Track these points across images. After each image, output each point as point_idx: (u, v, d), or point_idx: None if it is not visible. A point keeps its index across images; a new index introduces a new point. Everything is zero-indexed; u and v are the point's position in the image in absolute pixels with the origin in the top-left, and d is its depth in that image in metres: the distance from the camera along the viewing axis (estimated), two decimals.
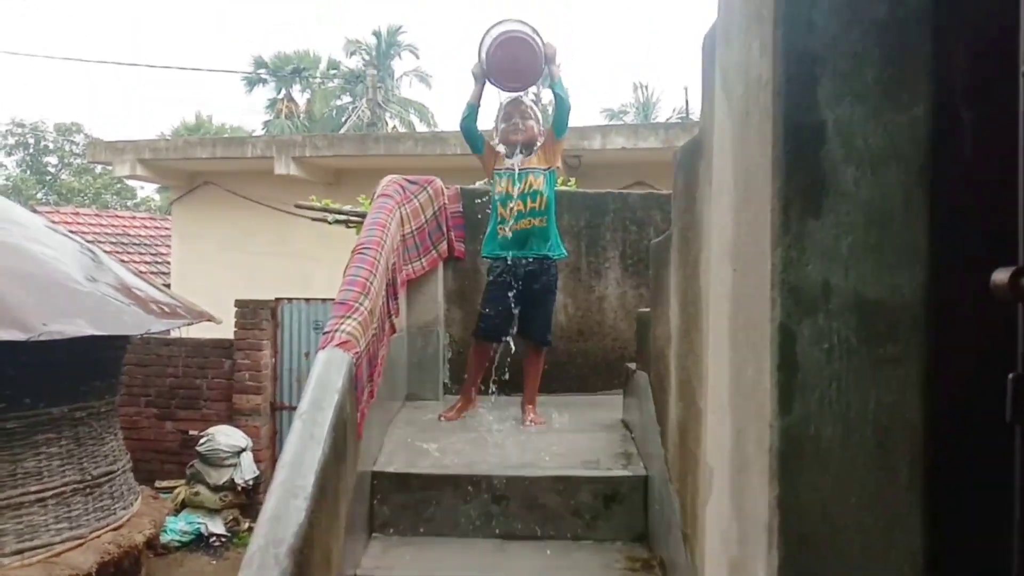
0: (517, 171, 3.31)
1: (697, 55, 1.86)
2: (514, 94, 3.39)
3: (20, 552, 4.78)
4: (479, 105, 3.43)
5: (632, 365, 3.09)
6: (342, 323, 2.41)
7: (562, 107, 3.38)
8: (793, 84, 1.14)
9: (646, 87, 32.41)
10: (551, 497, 2.62)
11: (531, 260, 3.36)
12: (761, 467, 1.18)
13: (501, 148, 3.40)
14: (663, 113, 30.66)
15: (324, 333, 2.39)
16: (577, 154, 8.47)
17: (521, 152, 3.37)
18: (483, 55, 3.31)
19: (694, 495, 2.00)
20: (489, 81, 3.38)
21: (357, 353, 2.36)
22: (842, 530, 1.14)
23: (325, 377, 2.18)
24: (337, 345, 2.31)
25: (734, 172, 1.34)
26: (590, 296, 4.02)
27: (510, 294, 3.33)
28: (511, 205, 3.31)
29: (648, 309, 2.75)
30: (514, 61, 3.27)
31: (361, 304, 2.52)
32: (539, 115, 3.45)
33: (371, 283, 2.64)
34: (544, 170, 3.37)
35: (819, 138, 1.14)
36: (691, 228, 2.00)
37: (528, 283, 3.34)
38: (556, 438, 3.08)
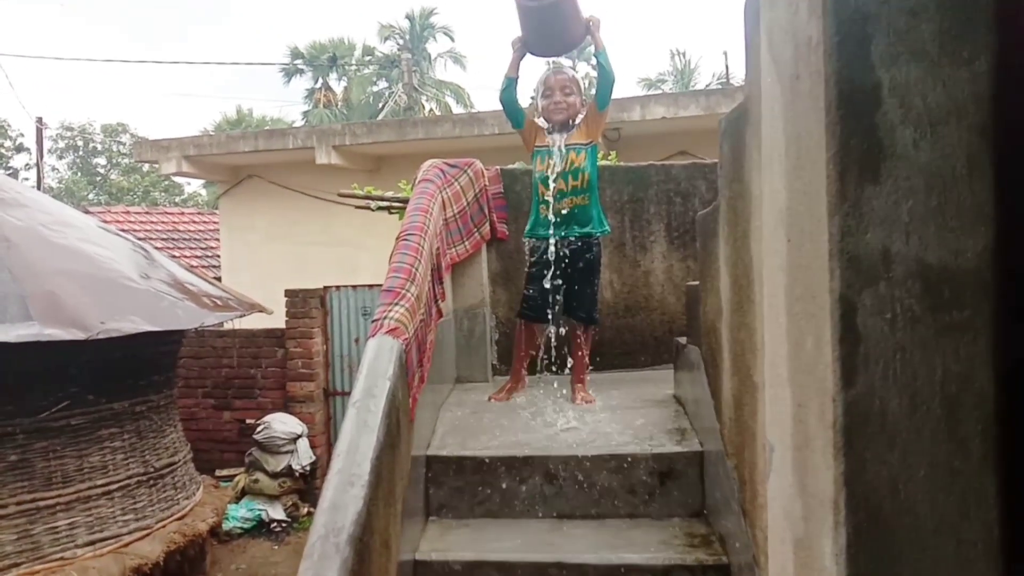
0: (558, 149, 3.26)
1: (737, 18, 1.81)
2: (554, 65, 3.34)
3: (92, 543, 4.95)
4: (518, 77, 3.37)
5: (682, 339, 3.05)
6: (390, 310, 2.41)
7: (606, 78, 3.30)
8: (845, 44, 1.10)
9: (683, 54, 31.86)
10: (605, 475, 2.61)
11: (574, 239, 3.32)
12: (824, 442, 1.15)
13: (542, 122, 3.36)
14: (703, 80, 30.15)
15: (373, 321, 2.40)
16: (616, 127, 8.36)
17: (562, 130, 3.32)
18: (521, 19, 3.22)
19: (752, 469, 1.97)
20: (528, 49, 3.32)
21: (406, 339, 2.37)
22: (912, 506, 1.11)
23: (376, 364, 2.19)
24: (386, 332, 2.32)
25: (785, 139, 1.29)
26: (636, 271, 3.98)
27: (553, 273, 3.30)
28: (552, 184, 3.27)
29: (697, 282, 2.70)
30: (552, 25, 3.19)
31: (408, 291, 2.53)
32: (581, 89, 3.40)
33: (416, 269, 2.64)
34: (585, 145, 3.31)
35: (875, 100, 1.09)
36: (739, 198, 1.95)
37: (571, 262, 3.31)
38: (607, 415, 3.06)
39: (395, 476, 2.10)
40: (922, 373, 1.10)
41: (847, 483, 1.11)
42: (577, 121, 3.35)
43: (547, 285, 3.30)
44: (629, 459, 2.61)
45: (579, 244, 3.33)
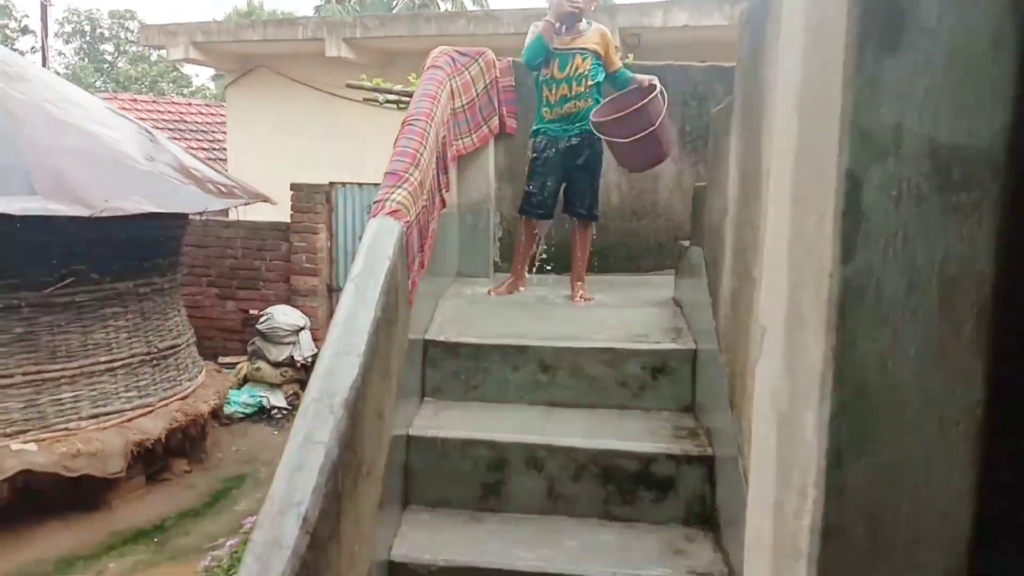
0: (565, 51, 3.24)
1: None
2: None
3: (95, 417, 5.09)
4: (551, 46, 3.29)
5: (685, 242, 3.04)
6: (392, 192, 2.40)
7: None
8: None
9: None
10: (599, 368, 2.65)
11: (575, 136, 3.31)
12: (817, 319, 1.16)
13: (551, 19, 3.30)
14: None
15: (375, 202, 2.39)
16: (637, 32, 8.13)
17: (569, 25, 3.26)
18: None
19: (743, 363, 1.99)
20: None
21: (408, 222, 2.36)
22: (899, 383, 1.12)
23: (376, 244, 2.19)
24: (388, 214, 2.31)
25: (805, 12, 1.25)
26: (645, 175, 3.93)
27: (553, 170, 3.29)
28: (556, 89, 3.26)
29: (704, 183, 2.67)
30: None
31: (411, 175, 2.50)
32: None
33: (421, 154, 2.61)
34: (592, 52, 3.27)
35: None
36: (755, 92, 1.91)
37: (572, 158, 3.31)
38: (605, 313, 3.08)
39: (391, 352, 2.13)
40: (922, 253, 1.09)
41: (836, 358, 1.12)
42: (587, 27, 3.28)
43: (548, 182, 3.29)
44: (623, 353, 2.65)
45: (580, 141, 3.32)
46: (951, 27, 1.06)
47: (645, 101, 3.03)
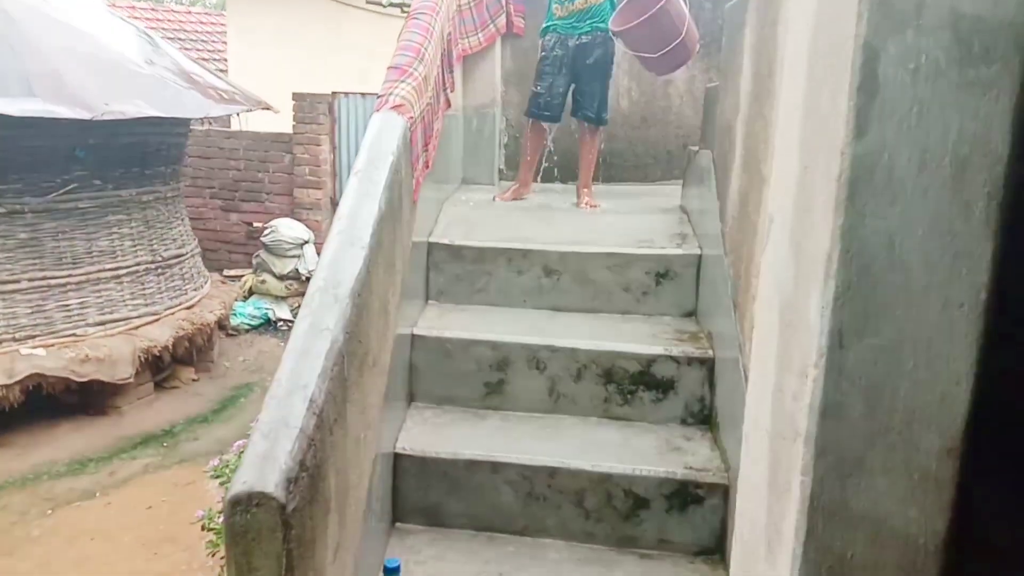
0: None
1: None
2: None
3: (102, 324, 5.14)
4: None
5: (695, 147, 3.00)
6: (396, 87, 2.34)
7: None
8: None
9: None
10: (603, 273, 2.65)
11: (586, 34, 3.20)
12: (827, 198, 1.14)
13: None
14: None
15: (378, 97, 2.34)
16: None
17: None
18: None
19: (748, 263, 1.98)
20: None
21: (411, 118, 2.32)
22: (905, 262, 1.11)
23: (380, 138, 2.16)
24: (391, 108, 2.27)
25: None
26: (656, 80, 3.84)
27: (561, 69, 3.20)
28: None
29: (716, 84, 2.61)
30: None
31: (415, 69, 2.45)
32: None
33: (426, 49, 2.54)
34: None
35: None
36: None
37: (581, 58, 3.20)
38: (611, 219, 3.06)
39: (396, 248, 2.12)
40: (936, 129, 1.06)
41: (843, 237, 1.11)
42: None
43: (557, 82, 3.21)
44: (628, 258, 2.64)
45: (591, 39, 3.21)
46: None
47: (664, 1, 2.89)
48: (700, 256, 2.60)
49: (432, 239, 2.75)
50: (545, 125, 3.39)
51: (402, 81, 2.37)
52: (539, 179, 3.67)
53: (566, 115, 3.37)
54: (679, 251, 2.65)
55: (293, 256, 7.21)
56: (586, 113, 3.31)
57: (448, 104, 2.98)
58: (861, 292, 1.12)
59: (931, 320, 1.12)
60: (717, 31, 3.64)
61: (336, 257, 1.78)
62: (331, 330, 1.59)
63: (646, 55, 3.03)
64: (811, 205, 1.21)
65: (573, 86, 3.28)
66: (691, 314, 2.62)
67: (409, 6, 5.75)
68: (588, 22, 3.18)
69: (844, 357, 1.15)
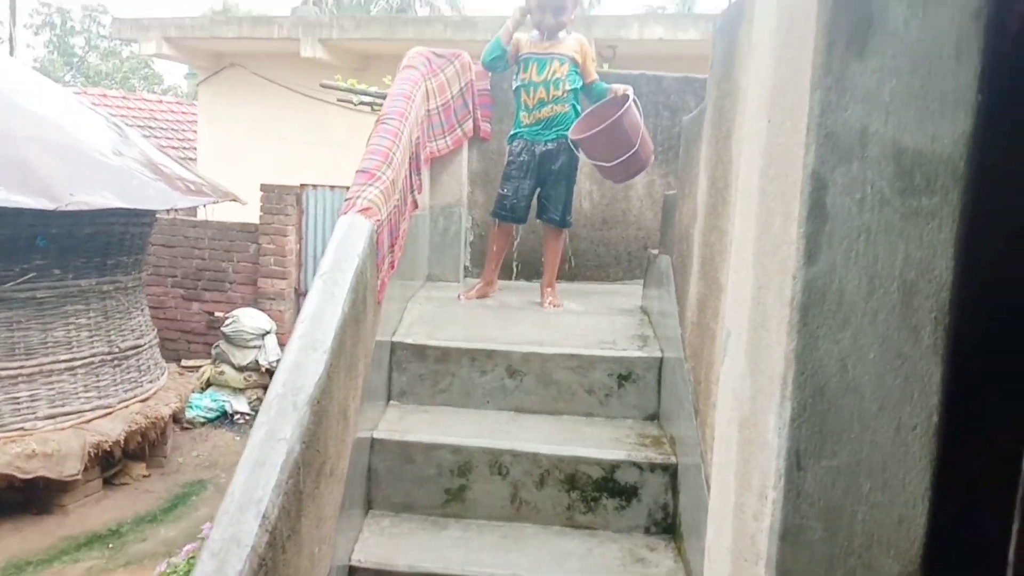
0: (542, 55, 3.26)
1: None
2: None
3: (52, 417, 4.98)
4: (509, 48, 3.32)
5: (654, 251, 3.06)
6: (364, 191, 2.38)
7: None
8: None
9: None
10: (566, 374, 2.65)
11: (551, 142, 3.32)
12: (780, 320, 1.16)
13: (525, 36, 3.34)
14: (704, 10, 29.54)
15: (345, 200, 2.37)
16: (612, 44, 8.19)
17: (547, 36, 3.29)
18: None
19: (708, 370, 2.00)
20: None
21: (378, 221, 2.34)
22: (858, 385, 1.13)
23: (346, 241, 2.18)
24: (359, 211, 2.30)
25: (777, 16, 1.26)
26: (616, 184, 3.95)
27: (527, 174, 3.30)
28: (534, 92, 3.29)
29: (674, 192, 2.69)
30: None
31: (383, 173, 2.49)
32: (576, 4, 3.33)
33: (394, 153, 2.60)
34: (570, 59, 3.29)
35: None
36: (727, 96, 1.92)
37: (547, 163, 3.32)
38: (574, 319, 3.08)
39: (358, 350, 2.11)
40: (884, 256, 1.10)
41: (798, 359, 1.12)
42: (566, 35, 3.31)
43: (523, 186, 3.30)
44: (590, 360, 2.65)
45: (556, 146, 3.33)
46: (917, 33, 1.08)
47: (620, 113, 3.02)
48: (661, 359, 2.62)
49: (396, 338, 2.73)
50: (511, 226, 3.46)
51: (370, 185, 2.40)
52: (512, 276, 3.71)
53: (531, 216, 3.44)
54: (641, 353, 2.67)
55: (254, 347, 7.11)
56: (551, 216, 3.39)
57: (415, 205, 3.03)
58: (817, 414, 1.13)
59: (886, 443, 1.14)
60: (675, 138, 3.79)
61: (297, 361, 1.76)
62: (288, 440, 1.56)
63: (602, 164, 3.14)
64: (766, 324, 1.23)
65: (539, 190, 3.37)
66: (654, 417, 2.61)
67: (380, 103, 5.90)
68: (554, 130, 3.29)
69: (803, 479, 1.15)
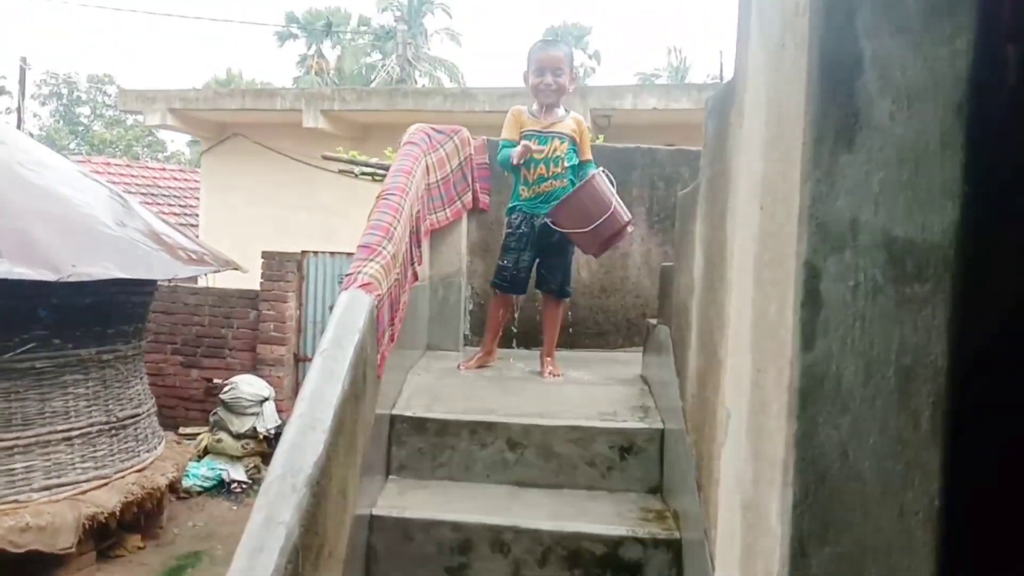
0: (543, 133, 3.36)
1: (733, 20, 1.81)
2: (544, 40, 3.39)
3: (48, 488, 4.92)
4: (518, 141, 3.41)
5: (653, 320, 3.08)
6: (365, 266, 2.41)
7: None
8: (830, 13, 1.11)
9: (680, 51, 31.90)
10: (567, 446, 2.63)
11: (547, 213, 3.37)
12: (780, 406, 1.17)
13: (526, 109, 3.44)
14: (697, 78, 30.23)
15: (347, 275, 2.40)
16: (607, 113, 8.37)
17: (547, 113, 3.39)
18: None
19: (710, 444, 1.99)
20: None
21: (379, 296, 2.37)
22: (859, 471, 1.13)
23: (346, 317, 2.19)
24: (360, 287, 2.32)
25: (767, 108, 1.31)
26: (614, 252, 3.99)
27: (527, 246, 3.35)
28: (534, 168, 3.37)
29: (671, 264, 2.72)
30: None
31: (384, 248, 2.52)
32: (572, 65, 3.43)
33: (395, 228, 2.64)
34: (569, 137, 3.38)
35: (856, 69, 1.11)
36: (720, 176, 1.96)
37: (546, 236, 3.37)
38: (574, 389, 3.08)
39: (357, 428, 2.10)
40: (879, 342, 1.12)
41: (798, 445, 1.13)
42: (565, 114, 3.40)
43: (522, 257, 3.34)
44: (591, 432, 2.64)
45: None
46: (903, 127, 1.11)
47: (582, 184, 3.19)
48: (663, 431, 2.61)
49: (395, 411, 2.73)
50: (511, 297, 3.49)
51: (371, 260, 2.43)
52: (512, 344, 3.72)
53: (531, 285, 3.47)
54: (642, 425, 2.66)
55: (252, 414, 7.06)
56: (551, 287, 3.43)
57: (415, 277, 3.06)
58: (820, 500, 1.13)
59: (889, 529, 1.14)
60: (670, 208, 3.84)
61: (296, 442, 1.75)
62: (287, 524, 1.54)
63: (573, 231, 3.22)
64: (765, 408, 1.24)
65: (537, 261, 3.41)
66: (657, 490, 2.59)
67: (380, 173, 6.00)
68: (552, 203, 3.35)
69: (807, 565, 1.15)
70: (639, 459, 2.60)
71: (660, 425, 2.64)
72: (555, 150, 3.36)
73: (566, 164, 3.38)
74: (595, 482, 2.60)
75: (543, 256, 3.41)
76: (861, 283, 1.12)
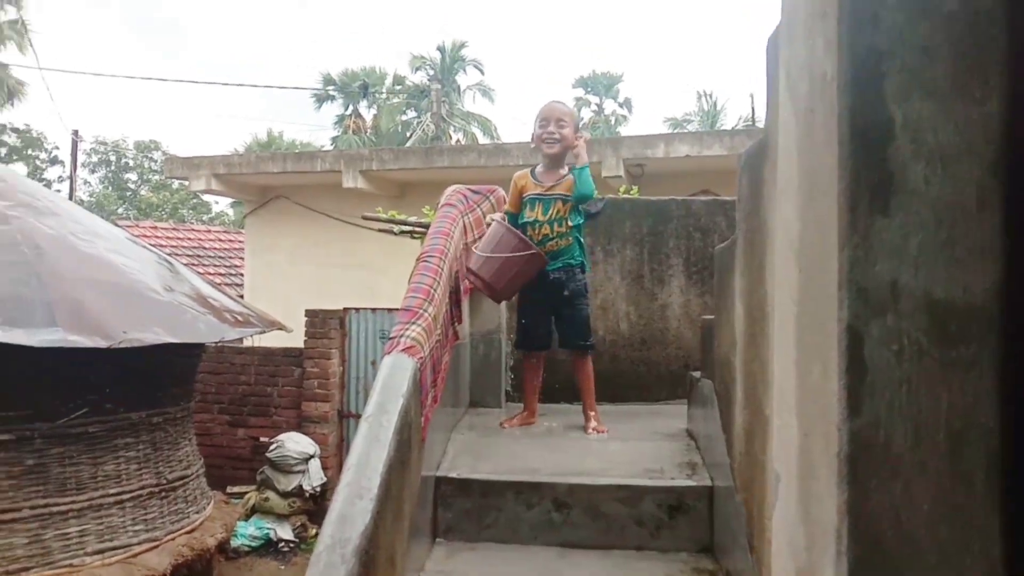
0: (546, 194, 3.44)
1: (762, 59, 1.85)
2: (554, 99, 3.47)
3: (100, 552, 4.98)
4: (518, 213, 3.51)
5: (696, 374, 3.05)
6: (407, 329, 2.44)
7: (580, 191, 3.41)
8: (859, 80, 1.12)
9: (710, 95, 32.05)
10: (614, 506, 2.60)
11: (558, 270, 3.44)
12: (829, 471, 1.16)
13: (536, 171, 3.51)
14: (728, 121, 30.31)
15: (390, 339, 2.43)
16: (640, 162, 8.42)
17: (548, 174, 3.46)
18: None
19: (760, 503, 1.96)
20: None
21: (421, 358, 2.39)
22: (914, 537, 1.11)
23: (390, 381, 2.22)
24: (402, 350, 2.35)
25: (799, 171, 1.32)
26: (653, 304, 3.99)
27: (539, 302, 3.43)
28: (539, 229, 3.43)
29: (712, 316, 2.71)
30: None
31: (425, 311, 2.56)
32: (576, 122, 3.50)
33: (435, 290, 2.68)
34: (571, 198, 3.43)
35: (887, 135, 1.12)
36: (756, 231, 1.97)
37: (557, 291, 3.43)
38: (619, 446, 3.06)
39: (404, 493, 2.12)
40: (927, 406, 1.11)
41: (850, 512, 1.12)
42: (567, 173, 3.46)
43: (539, 314, 3.45)
44: (639, 490, 2.61)
45: (564, 274, 3.45)
46: (938, 189, 1.12)
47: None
48: (712, 488, 2.57)
49: (440, 472, 2.73)
50: (538, 354, 3.52)
51: (413, 323, 2.47)
52: (551, 398, 3.72)
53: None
54: (690, 483, 2.63)
55: (298, 471, 7.11)
56: (574, 342, 3.48)
57: (456, 337, 3.09)
58: (875, 568, 1.11)
59: None
60: (707, 259, 3.85)
61: (344, 512, 1.77)
62: None
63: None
64: (815, 473, 1.23)
65: (555, 318, 3.48)
66: (708, 549, 2.54)
67: (418, 231, 6.10)
68: (560, 259, 3.43)
69: None
70: (689, 517, 2.56)
71: (709, 482, 2.60)
72: (558, 212, 3.43)
73: (570, 224, 3.45)
74: (644, 542, 2.56)
75: (559, 311, 3.46)
76: (905, 347, 1.12)
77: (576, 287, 3.46)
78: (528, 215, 3.47)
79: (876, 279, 1.12)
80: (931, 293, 1.11)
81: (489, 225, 3.45)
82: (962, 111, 1.11)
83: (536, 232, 3.43)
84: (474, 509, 2.66)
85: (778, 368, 1.47)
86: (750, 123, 24.53)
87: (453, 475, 2.71)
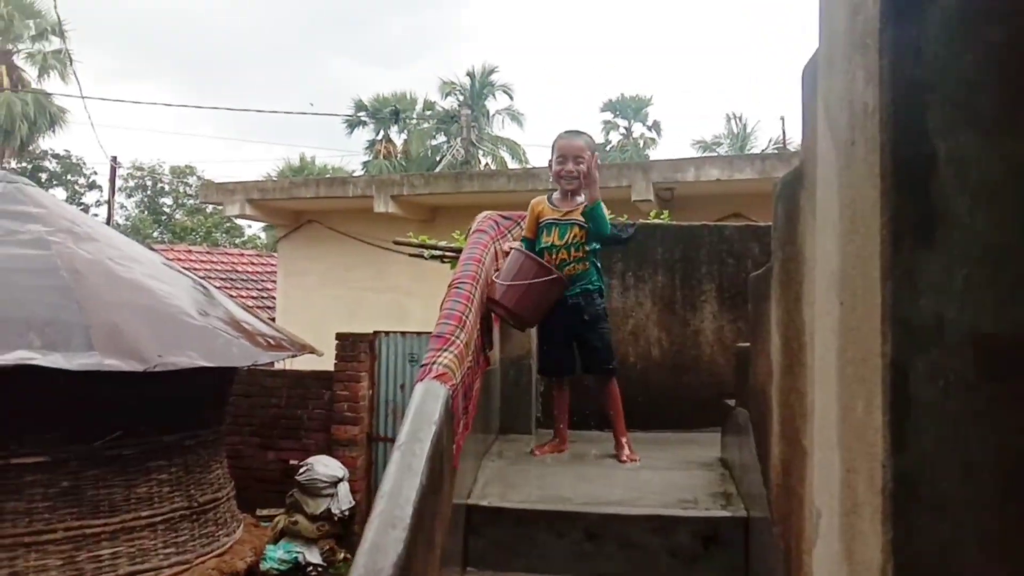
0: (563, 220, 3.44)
1: (795, 84, 1.84)
2: (569, 131, 3.46)
3: (132, 575, 5.02)
4: (534, 239, 3.52)
5: (731, 402, 3.02)
6: (439, 356, 2.45)
7: (595, 230, 3.40)
8: (901, 113, 1.11)
9: (740, 118, 31.97)
10: (647, 537, 2.57)
11: (576, 295, 3.43)
12: (873, 509, 1.14)
13: (553, 197, 3.53)
14: (759, 144, 30.18)
15: (422, 366, 2.44)
16: (670, 186, 8.40)
17: (565, 201, 3.47)
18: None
19: (798, 537, 1.92)
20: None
21: (453, 385, 2.40)
22: None
23: (423, 408, 2.22)
24: (434, 377, 2.36)
25: (839, 203, 1.31)
26: (685, 330, 3.96)
27: (563, 327, 3.42)
28: (556, 254, 3.43)
29: (747, 344, 2.68)
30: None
31: (457, 337, 2.57)
32: (594, 151, 3.46)
33: (467, 317, 2.68)
34: (587, 224, 3.43)
35: (930, 168, 1.11)
36: (793, 260, 1.95)
37: (577, 315, 3.42)
38: (652, 475, 3.02)
39: (436, 522, 2.11)
40: (975, 442, 1.08)
41: (896, 551, 1.09)
42: (582, 199, 3.45)
43: (560, 340, 3.44)
44: (672, 521, 2.58)
45: (582, 299, 3.44)
46: (983, 222, 1.10)
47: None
48: (747, 519, 2.53)
49: (471, 500, 2.72)
50: (562, 380, 3.53)
51: (444, 350, 2.48)
52: (584, 425, 3.70)
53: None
54: (725, 513, 2.59)
55: (327, 495, 7.11)
56: (598, 367, 3.47)
57: (487, 363, 3.09)
58: None
59: None
60: (740, 284, 3.81)
61: (376, 542, 1.76)
62: None
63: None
64: (858, 510, 1.20)
65: (576, 344, 3.47)
66: None
67: (448, 255, 6.13)
68: (578, 284, 3.42)
69: None
70: (724, 549, 2.52)
71: (744, 513, 2.56)
72: (575, 236, 3.43)
73: (587, 249, 3.45)
74: (678, 574, 2.52)
75: (580, 336, 3.46)
76: (952, 382, 1.09)
77: (596, 311, 3.46)
78: (545, 240, 3.47)
79: (921, 313, 1.10)
80: (978, 327, 1.09)
81: (507, 254, 3.46)
82: (1007, 143, 1.09)
83: (554, 257, 3.43)
84: (505, 538, 2.64)
85: (819, 401, 1.44)
86: (780, 146, 24.39)
87: (484, 503, 2.70)
